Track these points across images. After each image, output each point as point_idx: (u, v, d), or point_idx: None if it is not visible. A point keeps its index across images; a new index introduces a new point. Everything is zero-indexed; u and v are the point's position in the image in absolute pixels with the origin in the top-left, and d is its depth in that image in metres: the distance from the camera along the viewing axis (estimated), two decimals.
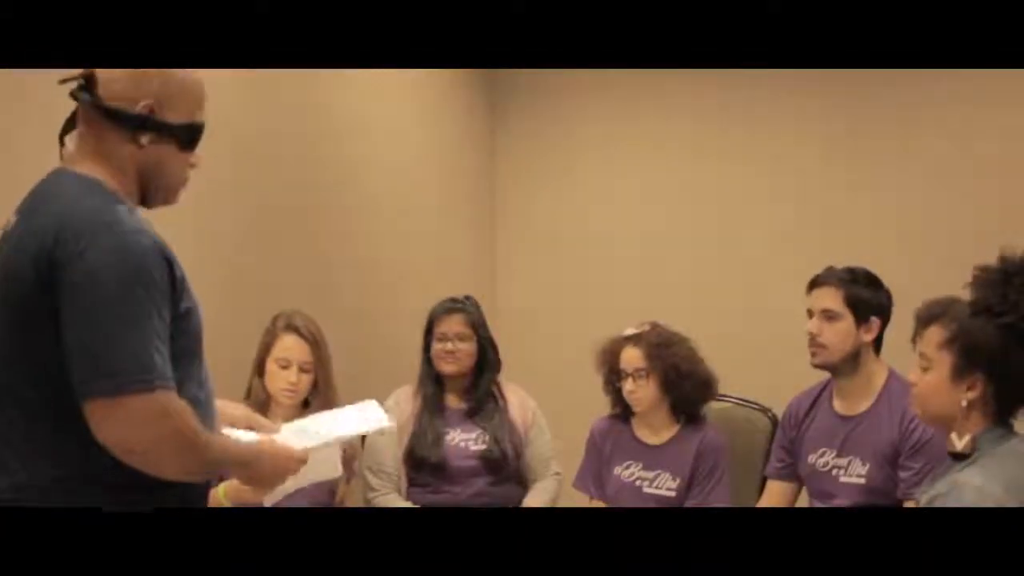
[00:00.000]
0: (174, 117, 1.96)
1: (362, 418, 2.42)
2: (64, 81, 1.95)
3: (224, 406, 2.19)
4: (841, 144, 4.68)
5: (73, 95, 1.94)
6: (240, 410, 2.28)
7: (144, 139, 1.93)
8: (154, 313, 1.80)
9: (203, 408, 1.93)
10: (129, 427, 1.78)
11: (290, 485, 2.20)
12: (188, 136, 1.99)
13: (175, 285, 1.86)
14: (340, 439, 2.32)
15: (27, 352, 1.84)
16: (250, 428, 2.19)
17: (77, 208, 1.85)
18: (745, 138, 4.83)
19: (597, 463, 3.37)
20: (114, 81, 1.92)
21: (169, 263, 1.85)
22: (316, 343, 3.12)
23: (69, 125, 1.99)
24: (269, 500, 2.42)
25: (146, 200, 2.00)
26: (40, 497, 1.83)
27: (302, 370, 3.08)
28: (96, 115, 1.93)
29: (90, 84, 1.93)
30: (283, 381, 3.06)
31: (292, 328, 3.10)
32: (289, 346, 3.09)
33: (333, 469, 2.46)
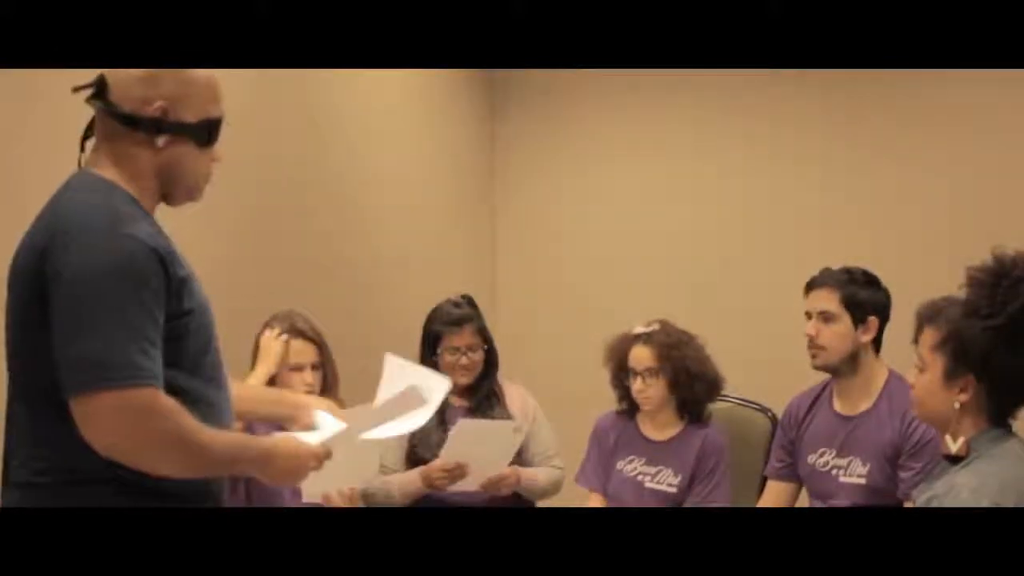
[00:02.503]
0: (189, 116, 1.96)
1: (405, 418, 2.34)
2: (77, 89, 1.95)
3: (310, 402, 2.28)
4: (842, 143, 4.68)
5: (88, 102, 1.95)
6: (324, 404, 2.29)
7: (160, 141, 1.94)
8: (141, 312, 1.80)
9: (214, 409, 1.94)
10: (109, 424, 1.77)
11: (324, 481, 2.20)
12: (205, 133, 1.99)
13: (171, 286, 1.86)
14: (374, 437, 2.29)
15: (31, 348, 1.86)
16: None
17: (76, 206, 1.86)
18: (745, 138, 4.82)
19: (599, 456, 3.39)
20: (125, 85, 1.92)
21: (164, 264, 1.84)
22: (321, 342, 3.18)
23: (89, 131, 2.00)
24: (307, 495, 2.42)
25: (169, 199, 2.02)
26: (49, 493, 1.85)
27: (314, 368, 3.15)
28: (111, 120, 1.94)
29: (102, 90, 1.94)
30: (301, 384, 3.11)
31: (297, 333, 3.15)
32: (299, 350, 3.14)
33: (372, 469, 2.47)
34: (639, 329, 3.30)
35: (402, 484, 3.38)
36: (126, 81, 1.92)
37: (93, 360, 1.76)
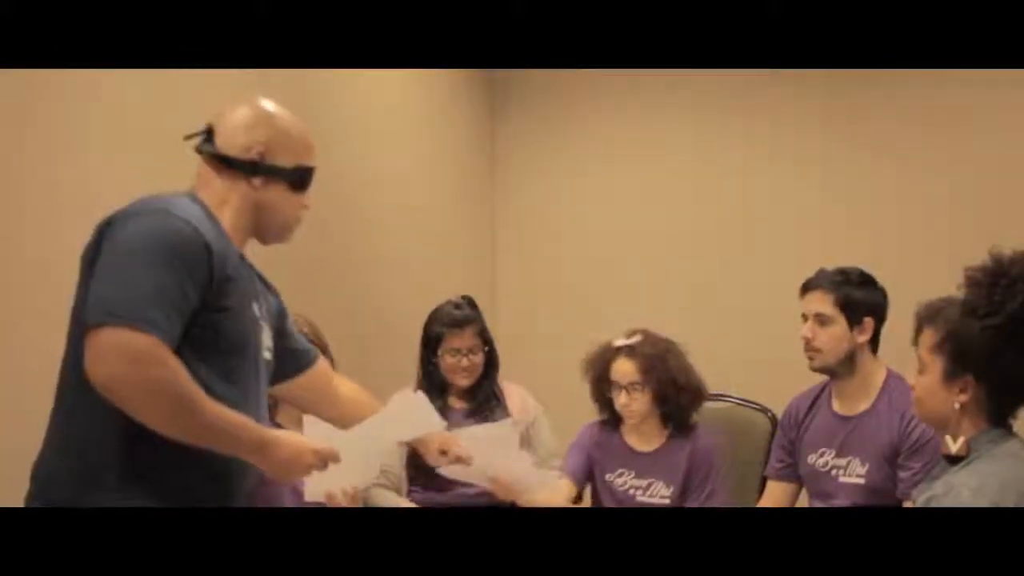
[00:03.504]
0: (284, 161, 2.15)
1: (410, 421, 2.44)
2: (189, 137, 2.15)
3: None
4: (842, 143, 4.68)
5: (198, 149, 2.14)
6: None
7: (256, 181, 2.13)
8: (172, 281, 1.90)
9: (225, 404, 1.97)
10: (107, 359, 1.85)
11: (327, 480, 2.23)
12: (297, 178, 2.18)
13: (214, 277, 1.97)
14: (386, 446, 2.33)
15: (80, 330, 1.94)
16: None
17: (144, 198, 2.03)
18: (745, 138, 4.82)
19: (580, 458, 3.34)
20: (231, 133, 2.13)
21: (211, 254, 1.96)
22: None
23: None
24: (309, 495, 2.45)
25: (260, 236, 2.21)
26: (70, 485, 1.95)
27: None
28: (215, 162, 2.13)
29: (210, 135, 2.13)
30: None
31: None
32: None
33: (375, 469, 2.55)
34: (621, 341, 3.24)
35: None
36: (231, 129, 2.13)
37: (110, 301, 1.87)
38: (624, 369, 3.20)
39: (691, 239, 4.88)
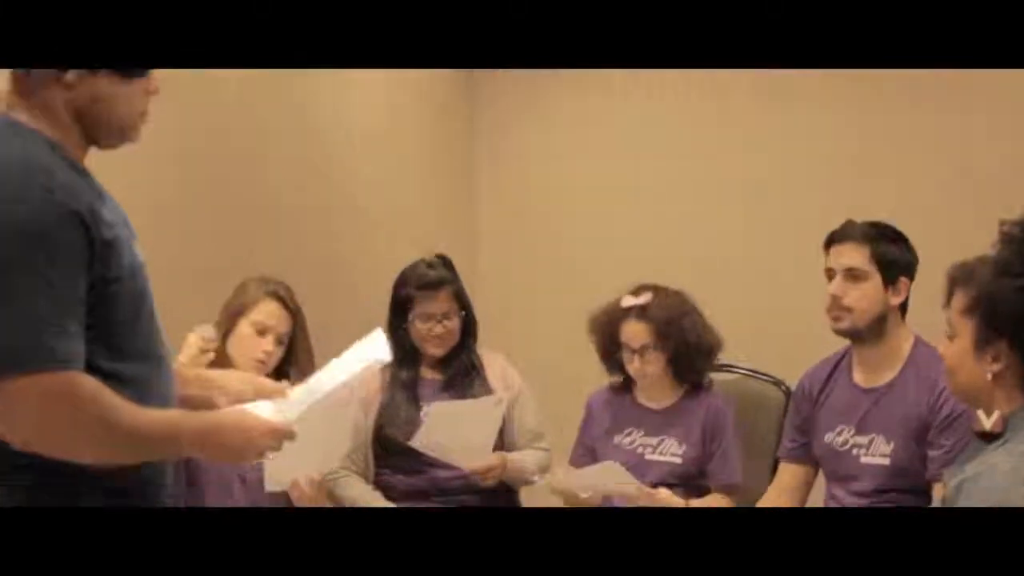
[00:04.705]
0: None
1: (359, 356, 2.19)
2: None
3: (227, 378, 2.19)
4: (853, 115, 4.45)
5: None
6: (246, 382, 2.19)
7: (69, 76, 1.83)
8: (57, 284, 1.73)
9: (144, 388, 1.86)
10: (22, 413, 1.73)
11: (290, 467, 2.16)
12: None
13: (94, 250, 1.77)
14: (333, 389, 2.10)
15: None
16: (258, 398, 2.09)
17: None
18: (752, 80, 4.55)
19: (589, 440, 3.30)
20: None
21: (86, 226, 1.76)
22: (298, 315, 3.05)
23: None
24: (271, 484, 2.34)
25: (97, 142, 1.91)
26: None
27: (279, 341, 2.99)
28: None
29: None
30: (257, 350, 2.95)
31: (277, 296, 3.02)
32: (272, 313, 2.99)
33: (342, 449, 2.49)
34: (630, 301, 3.16)
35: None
36: None
37: (3, 342, 1.71)
38: (635, 332, 3.15)
39: (693, 193, 4.67)
